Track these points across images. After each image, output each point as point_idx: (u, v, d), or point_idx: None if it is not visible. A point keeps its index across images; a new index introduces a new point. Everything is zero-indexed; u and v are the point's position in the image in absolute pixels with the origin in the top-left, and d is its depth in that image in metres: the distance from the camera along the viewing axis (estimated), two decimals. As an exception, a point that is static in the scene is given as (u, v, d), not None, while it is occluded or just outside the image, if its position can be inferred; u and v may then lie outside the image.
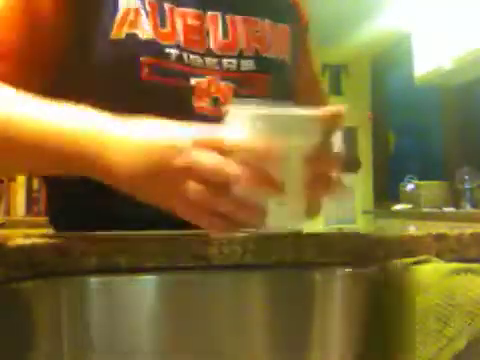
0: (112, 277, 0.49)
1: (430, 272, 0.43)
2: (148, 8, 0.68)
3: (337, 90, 4.12)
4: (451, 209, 2.90)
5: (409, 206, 3.19)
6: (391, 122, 4.13)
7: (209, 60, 0.70)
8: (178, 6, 0.70)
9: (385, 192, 4.03)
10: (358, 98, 4.03)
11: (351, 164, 3.98)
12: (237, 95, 0.70)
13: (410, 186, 3.31)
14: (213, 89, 0.69)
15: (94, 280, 0.49)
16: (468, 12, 2.60)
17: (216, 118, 0.65)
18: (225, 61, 0.71)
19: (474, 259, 0.50)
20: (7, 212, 3.22)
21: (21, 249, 0.48)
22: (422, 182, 3.26)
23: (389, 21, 3.54)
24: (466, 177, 2.93)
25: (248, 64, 0.72)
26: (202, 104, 0.69)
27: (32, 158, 0.56)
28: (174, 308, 0.51)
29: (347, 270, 0.51)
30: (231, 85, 0.71)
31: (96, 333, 0.49)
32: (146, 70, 0.66)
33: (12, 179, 3.30)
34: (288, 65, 0.77)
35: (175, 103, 0.67)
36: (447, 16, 2.77)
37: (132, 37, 0.66)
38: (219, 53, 0.71)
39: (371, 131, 4.19)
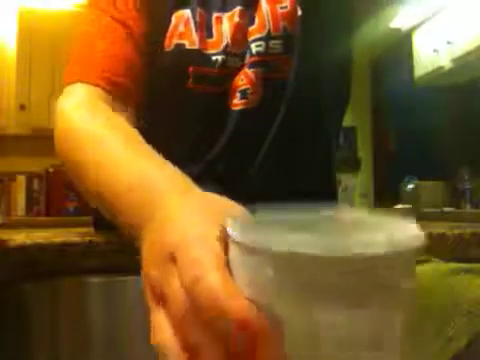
0: (112, 277, 0.49)
1: (430, 272, 0.43)
2: (198, 19, 0.72)
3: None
4: (451, 209, 2.90)
5: (409, 206, 3.19)
6: (391, 122, 4.13)
7: (247, 54, 0.71)
8: (226, 11, 0.72)
9: (385, 192, 4.03)
10: (358, 98, 4.03)
11: (351, 164, 3.98)
12: (265, 83, 0.70)
13: (410, 186, 3.31)
14: (242, 81, 0.71)
15: (94, 280, 0.49)
16: (468, 12, 2.60)
17: (248, 113, 0.69)
18: (253, 45, 0.71)
19: (474, 259, 0.50)
20: (7, 212, 3.22)
21: (21, 249, 0.48)
22: (422, 182, 3.26)
23: (389, 21, 3.54)
24: (466, 177, 2.93)
25: (276, 45, 0.71)
26: (235, 100, 0.71)
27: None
28: (174, 308, 0.51)
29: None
30: (259, 71, 0.70)
31: (96, 333, 0.49)
32: (191, 79, 0.70)
33: (12, 179, 3.30)
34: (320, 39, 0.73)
35: (214, 107, 0.71)
36: (447, 16, 2.77)
37: (180, 47, 0.70)
38: (250, 39, 0.71)
39: (371, 131, 4.19)
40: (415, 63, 3.16)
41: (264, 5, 0.72)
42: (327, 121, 0.79)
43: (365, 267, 0.24)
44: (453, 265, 0.42)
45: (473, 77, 2.99)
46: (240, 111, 0.70)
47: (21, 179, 3.30)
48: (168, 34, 0.71)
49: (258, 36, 0.71)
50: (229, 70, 0.71)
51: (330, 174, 0.82)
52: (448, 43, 2.79)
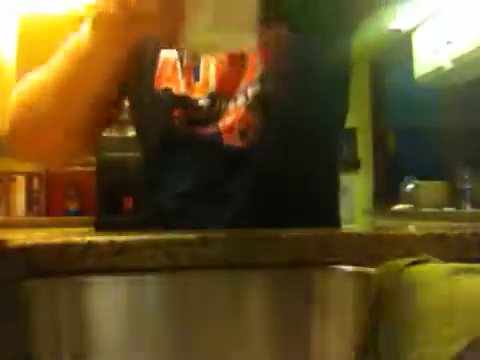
0: (112, 277, 0.49)
1: (430, 272, 0.43)
2: (185, 61, 0.73)
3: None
4: (451, 209, 2.89)
5: (409, 206, 3.19)
6: (391, 122, 4.12)
7: (241, 99, 0.71)
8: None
9: (385, 192, 4.03)
10: (358, 98, 4.03)
11: (351, 164, 3.98)
12: (263, 120, 0.71)
13: (410, 186, 3.31)
14: (240, 122, 0.71)
15: (94, 280, 0.49)
16: (468, 12, 2.60)
17: (247, 151, 0.70)
18: (249, 90, 0.71)
19: (474, 259, 0.50)
20: (7, 212, 3.22)
21: (21, 249, 0.48)
22: (422, 182, 3.26)
23: (389, 21, 3.54)
24: (466, 177, 2.93)
25: (269, 85, 0.71)
26: (231, 139, 0.71)
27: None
28: (174, 308, 0.51)
29: (347, 270, 0.51)
30: (256, 112, 0.71)
31: (96, 333, 0.49)
32: (178, 122, 0.72)
33: (12, 179, 3.30)
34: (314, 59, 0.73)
35: (205, 149, 0.72)
36: (447, 16, 2.77)
37: (168, 92, 0.73)
38: (243, 84, 0.72)
39: (371, 131, 4.18)
40: (415, 63, 3.16)
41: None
42: (329, 143, 0.80)
43: None
44: (453, 265, 0.42)
45: (473, 77, 2.99)
46: (239, 150, 0.71)
47: (21, 179, 3.30)
48: (157, 75, 0.74)
49: (251, 80, 0.71)
50: (217, 112, 0.72)
51: (334, 198, 0.83)
52: (448, 43, 2.79)
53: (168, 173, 0.76)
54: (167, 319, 0.50)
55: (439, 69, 2.91)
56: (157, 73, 0.74)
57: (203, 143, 0.72)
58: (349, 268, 0.51)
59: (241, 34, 0.49)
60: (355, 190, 3.97)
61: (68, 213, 3.23)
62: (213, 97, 0.72)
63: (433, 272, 0.42)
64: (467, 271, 0.40)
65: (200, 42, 0.49)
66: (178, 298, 0.51)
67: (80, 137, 0.75)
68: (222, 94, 0.72)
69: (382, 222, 3.33)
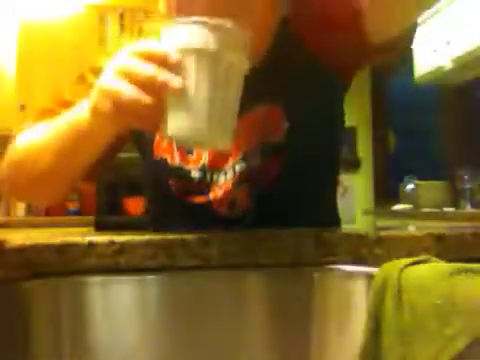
0: (112, 277, 0.49)
1: (430, 272, 0.43)
2: None
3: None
4: (451, 209, 2.89)
5: (409, 206, 3.19)
6: (391, 122, 4.12)
7: (229, 173, 0.77)
8: None
9: (385, 192, 4.02)
10: (358, 98, 4.03)
11: (351, 164, 3.97)
12: (251, 194, 0.76)
13: (410, 186, 3.31)
14: (229, 196, 0.76)
15: (94, 280, 0.49)
16: (468, 12, 2.60)
17: (236, 219, 0.76)
18: (237, 166, 0.76)
19: (474, 259, 0.50)
20: (7, 212, 3.22)
21: (21, 249, 0.48)
22: (422, 182, 3.25)
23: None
24: (466, 177, 2.93)
25: (254, 160, 0.76)
26: (222, 210, 0.77)
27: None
28: (174, 308, 0.51)
29: (347, 270, 0.51)
30: (244, 186, 0.76)
31: (96, 333, 0.49)
32: (174, 189, 0.79)
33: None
34: (296, 133, 0.76)
35: (200, 214, 0.77)
36: (447, 16, 2.77)
37: (164, 161, 0.79)
38: (231, 161, 0.77)
39: (371, 131, 4.18)
40: (415, 63, 3.16)
41: (241, 129, 0.74)
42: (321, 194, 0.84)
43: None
44: (453, 265, 0.42)
45: (473, 77, 2.99)
46: (230, 219, 0.77)
47: (21, 179, 3.29)
48: (155, 145, 0.80)
49: (239, 158, 0.76)
50: (209, 184, 0.77)
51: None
52: (448, 43, 2.79)
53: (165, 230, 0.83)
54: (167, 319, 0.50)
55: (439, 69, 2.91)
56: (155, 142, 0.80)
57: (197, 209, 0.78)
58: (349, 268, 0.51)
59: (220, 138, 0.53)
60: (355, 190, 3.97)
61: (68, 213, 3.23)
62: (205, 170, 0.77)
63: (433, 272, 0.42)
64: (467, 271, 0.40)
65: (180, 137, 0.53)
66: (178, 298, 0.51)
67: (78, 182, 0.79)
68: (213, 168, 0.77)
69: (382, 222, 3.33)
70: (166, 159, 0.79)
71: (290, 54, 0.75)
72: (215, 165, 0.77)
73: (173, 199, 0.80)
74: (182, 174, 0.78)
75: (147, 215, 0.98)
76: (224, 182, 0.77)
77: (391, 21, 0.68)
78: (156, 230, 0.88)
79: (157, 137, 0.80)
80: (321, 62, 0.74)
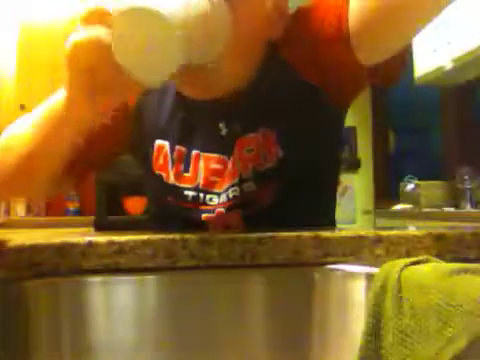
0: (112, 277, 0.49)
1: (430, 272, 0.43)
2: (175, 156, 0.79)
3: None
4: (451, 209, 2.89)
5: (409, 206, 3.19)
6: (391, 122, 4.12)
7: (223, 197, 0.77)
8: (204, 152, 0.77)
9: (385, 192, 4.02)
10: (358, 98, 4.03)
11: (351, 164, 3.97)
12: (245, 218, 0.76)
13: (410, 186, 3.31)
14: (222, 221, 0.77)
15: (94, 280, 0.49)
16: (468, 12, 2.60)
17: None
18: (230, 191, 0.76)
19: (474, 259, 0.50)
20: (7, 212, 3.22)
21: (21, 249, 0.48)
22: (422, 182, 3.25)
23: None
24: (466, 177, 2.93)
25: (249, 186, 0.76)
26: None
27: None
28: (174, 308, 0.51)
29: (347, 270, 0.51)
30: (237, 211, 0.76)
31: (96, 333, 0.49)
32: (170, 204, 0.80)
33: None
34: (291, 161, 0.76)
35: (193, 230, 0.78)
36: (447, 16, 2.76)
37: (160, 177, 0.80)
38: (225, 186, 0.76)
39: (371, 131, 4.18)
40: (415, 63, 3.16)
41: (236, 153, 0.75)
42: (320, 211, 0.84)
43: None
44: (453, 265, 0.42)
45: (473, 77, 2.98)
46: None
47: (21, 179, 3.29)
48: (153, 161, 0.81)
49: (232, 182, 0.76)
50: (201, 205, 0.77)
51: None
52: (448, 43, 2.78)
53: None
54: (167, 319, 0.50)
55: (439, 69, 2.91)
56: (154, 158, 0.81)
57: (193, 227, 0.77)
58: (349, 268, 0.51)
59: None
60: (355, 190, 3.97)
61: (68, 213, 3.23)
62: (198, 190, 0.77)
63: (433, 272, 0.42)
64: (467, 271, 0.40)
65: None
66: (178, 298, 0.51)
67: (62, 179, 0.77)
68: (206, 189, 0.77)
69: (382, 222, 3.33)
70: (162, 176, 0.80)
71: (281, 80, 0.74)
72: (209, 187, 0.77)
73: (172, 214, 0.81)
74: (176, 192, 0.79)
75: (148, 215, 0.99)
76: (217, 204, 0.77)
77: (382, 44, 0.68)
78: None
79: (154, 153, 0.80)
80: (314, 88, 0.73)
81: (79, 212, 3.23)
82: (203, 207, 0.77)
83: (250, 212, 0.76)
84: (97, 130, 0.77)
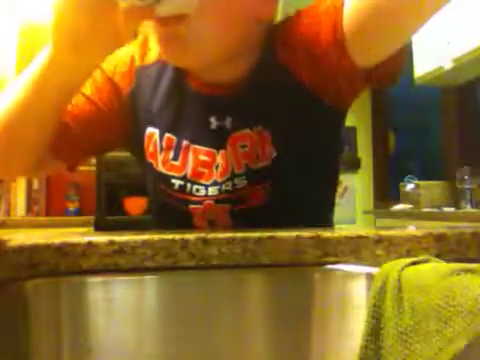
0: (112, 277, 0.49)
1: (430, 272, 0.43)
2: (164, 143, 0.79)
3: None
4: (451, 209, 2.89)
5: (409, 206, 3.19)
6: (391, 122, 4.12)
7: (212, 189, 0.77)
8: (193, 143, 0.78)
9: (385, 192, 4.03)
10: (358, 98, 4.03)
11: (351, 164, 3.97)
12: (233, 213, 0.77)
13: (410, 186, 3.31)
14: (209, 213, 0.78)
15: (94, 280, 0.49)
16: (468, 12, 2.60)
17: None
18: (223, 184, 0.77)
19: (474, 259, 0.50)
20: (7, 212, 3.22)
21: (21, 249, 0.48)
22: (422, 182, 3.25)
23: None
24: (466, 177, 2.93)
25: (241, 181, 0.76)
26: (200, 224, 0.79)
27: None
28: (174, 308, 0.51)
29: (347, 270, 0.51)
30: (226, 205, 0.77)
31: (96, 333, 0.49)
32: (161, 192, 0.81)
33: (12, 179, 3.29)
34: (280, 165, 0.76)
35: (180, 220, 0.81)
36: (447, 16, 2.76)
37: (151, 166, 0.81)
38: (219, 181, 0.77)
39: (371, 131, 4.18)
40: (415, 63, 3.16)
41: (229, 148, 0.76)
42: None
43: None
44: (453, 265, 0.42)
45: (473, 77, 2.99)
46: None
47: (21, 179, 3.30)
48: (145, 148, 0.81)
49: (225, 177, 0.76)
50: (188, 195, 0.78)
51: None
52: (448, 43, 2.79)
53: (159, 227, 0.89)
54: (167, 319, 0.50)
55: (439, 69, 2.91)
56: (145, 145, 0.81)
57: (180, 215, 0.79)
58: (349, 268, 0.51)
59: None
60: (355, 190, 3.97)
61: (68, 213, 3.23)
62: (185, 180, 0.78)
63: (433, 272, 0.42)
64: (466, 271, 0.40)
65: None
66: (178, 298, 0.51)
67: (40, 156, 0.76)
68: (194, 179, 0.78)
69: (382, 222, 3.33)
70: (152, 164, 0.81)
71: (277, 82, 0.74)
72: (196, 177, 0.77)
73: (163, 202, 0.82)
74: (164, 180, 0.80)
75: (149, 213, 1.01)
76: (205, 196, 0.77)
77: (378, 46, 0.68)
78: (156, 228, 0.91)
79: (145, 140, 0.81)
80: (311, 91, 0.73)
81: (79, 212, 3.23)
82: (191, 197, 0.78)
83: (239, 209, 0.77)
84: (90, 116, 0.77)
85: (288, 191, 0.77)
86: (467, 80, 3.07)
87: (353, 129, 4.05)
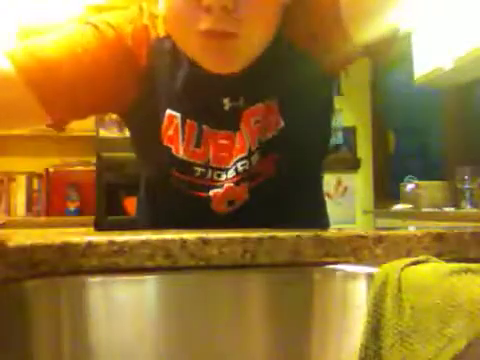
0: (112, 277, 0.49)
1: (430, 272, 0.43)
2: (186, 129, 0.77)
3: (337, 90, 4.12)
4: (451, 209, 2.89)
5: (409, 206, 3.19)
6: (391, 122, 4.12)
7: (231, 172, 0.77)
8: (212, 128, 0.77)
9: (385, 192, 4.02)
10: (358, 98, 4.03)
11: (351, 164, 3.97)
12: (250, 191, 0.78)
13: (410, 186, 3.31)
14: (229, 195, 0.78)
15: (94, 280, 0.49)
16: (468, 12, 2.60)
17: (233, 216, 0.78)
18: (239, 164, 0.77)
19: (474, 259, 0.50)
20: (7, 212, 3.22)
21: (21, 249, 0.48)
22: (422, 182, 3.25)
23: (389, 21, 3.53)
24: (466, 177, 2.93)
25: (256, 157, 0.77)
26: (219, 207, 0.79)
27: None
28: (174, 308, 0.51)
29: (347, 270, 0.51)
30: (245, 184, 0.78)
31: (96, 333, 0.49)
32: (175, 180, 0.79)
33: (12, 179, 3.30)
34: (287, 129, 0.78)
35: (197, 208, 0.79)
36: (447, 16, 2.77)
37: (168, 150, 0.77)
38: (237, 162, 0.77)
39: (371, 131, 4.18)
40: (415, 63, 3.16)
41: (243, 126, 0.77)
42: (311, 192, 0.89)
43: None
44: (453, 265, 0.42)
45: (473, 77, 2.99)
46: (226, 216, 0.79)
47: (21, 179, 3.30)
48: (162, 130, 0.78)
49: (242, 156, 0.77)
50: (209, 181, 0.78)
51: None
52: (448, 43, 2.79)
53: (157, 216, 0.87)
54: (167, 319, 0.50)
55: (439, 69, 2.91)
56: (163, 127, 0.78)
57: (195, 202, 0.78)
58: (349, 268, 0.51)
59: None
60: (355, 190, 3.97)
61: (68, 213, 3.23)
62: (208, 167, 0.78)
63: (433, 272, 0.42)
64: (467, 271, 0.40)
65: None
66: (178, 298, 0.51)
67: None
68: (216, 165, 0.78)
69: (382, 222, 3.33)
70: (171, 148, 0.78)
71: (281, 54, 0.76)
72: (219, 162, 0.78)
73: (172, 188, 0.80)
74: (185, 167, 0.78)
75: (139, 203, 0.97)
76: (225, 180, 0.78)
77: (371, 15, 0.71)
78: (147, 215, 0.90)
79: (165, 122, 0.78)
80: (308, 56, 0.76)
81: (79, 212, 3.23)
82: (211, 183, 0.78)
83: (255, 184, 0.78)
84: (90, 71, 0.74)
85: (295, 160, 0.79)
86: (467, 80, 3.07)
87: (353, 129, 4.05)
